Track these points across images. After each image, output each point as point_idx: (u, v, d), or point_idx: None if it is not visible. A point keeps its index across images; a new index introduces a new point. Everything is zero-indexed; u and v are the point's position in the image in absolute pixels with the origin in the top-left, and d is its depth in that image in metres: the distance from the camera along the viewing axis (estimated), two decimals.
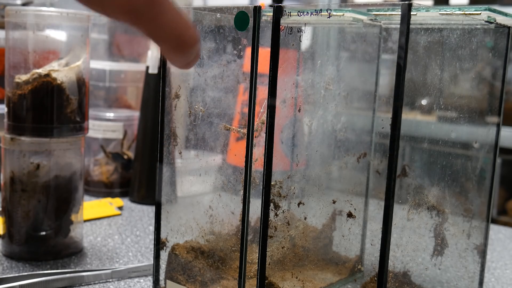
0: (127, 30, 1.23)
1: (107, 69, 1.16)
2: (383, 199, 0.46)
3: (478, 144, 0.63)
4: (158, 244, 0.62)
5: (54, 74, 0.72)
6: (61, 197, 0.75)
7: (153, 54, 1.04)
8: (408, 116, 0.49)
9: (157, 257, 0.62)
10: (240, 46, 0.55)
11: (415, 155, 0.65)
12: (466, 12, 0.49)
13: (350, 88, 0.68)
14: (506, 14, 0.53)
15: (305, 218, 0.60)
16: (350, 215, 0.58)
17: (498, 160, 0.97)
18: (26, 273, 0.67)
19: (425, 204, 0.60)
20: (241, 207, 0.54)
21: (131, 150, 1.13)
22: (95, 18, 1.21)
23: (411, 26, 0.44)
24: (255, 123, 0.54)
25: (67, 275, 0.67)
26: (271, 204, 0.53)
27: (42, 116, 0.72)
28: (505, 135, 1.71)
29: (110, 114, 1.11)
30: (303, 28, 0.52)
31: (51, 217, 0.74)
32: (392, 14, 0.51)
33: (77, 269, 0.70)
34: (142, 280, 0.70)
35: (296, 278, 0.58)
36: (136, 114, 1.13)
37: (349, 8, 0.52)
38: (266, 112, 0.52)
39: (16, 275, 0.66)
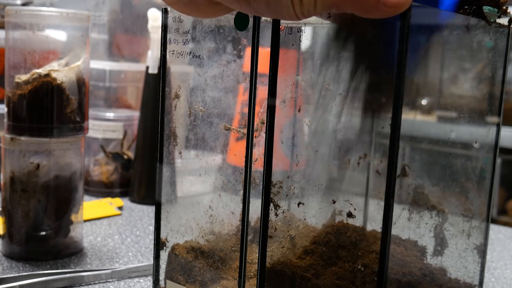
0: (127, 30, 1.23)
1: (107, 69, 1.16)
2: (383, 199, 0.46)
3: (478, 144, 0.63)
4: (158, 244, 0.62)
5: (54, 74, 0.72)
6: (61, 197, 0.75)
7: (153, 54, 1.04)
8: (408, 116, 0.49)
9: (157, 257, 0.62)
10: (240, 46, 0.55)
11: (415, 155, 0.65)
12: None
13: (350, 88, 0.68)
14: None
15: (305, 218, 0.60)
16: (350, 215, 0.58)
17: (498, 160, 0.97)
18: (26, 273, 0.67)
19: (425, 204, 0.60)
20: (241, 207, 0.54)
21: (131, 150, 1.13)
22: (95, 18, 1.21)
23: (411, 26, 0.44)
24: (255, 123, 0.54)
25: (67, 275, 0.67)
26: (271, 204, 0.53)
27: (42, 116, 0.72)
28: (505, 135, 1.71)
29: (110, 114, 1.11)
30: (303, 28, 0.52)
31: (51, 217, 0.74)
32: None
33: (77, 269, 0.70)
34: (142, 280, 0.70)
35: None
36: (136, 114, 1.13)
37: None
38: (266, 112, 0.52)
39: (16, 275, 0.66)
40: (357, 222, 0.58)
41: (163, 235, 0.62)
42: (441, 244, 0.61)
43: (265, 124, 0.52)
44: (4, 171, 0.75)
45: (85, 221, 0.90)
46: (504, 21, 0.57)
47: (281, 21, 0.51)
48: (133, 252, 0.79)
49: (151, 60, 1.05)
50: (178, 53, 0.60)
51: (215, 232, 0.62)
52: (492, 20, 0.54)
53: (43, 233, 0.74)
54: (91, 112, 1.11)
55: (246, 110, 0.53)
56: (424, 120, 0.62)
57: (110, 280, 0.69)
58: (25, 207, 0.73)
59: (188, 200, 0.63)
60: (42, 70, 0.72)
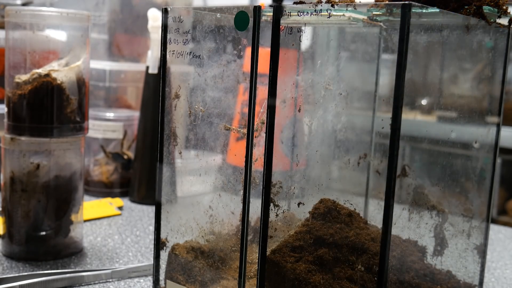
0: (127, 30, 1.23)
1: (107, 69, 1.16)
2: (383, 199, 0.46)
3: (478, 144, 0.63)
4: (158, 244, 0.62)
5: (54, 74, 0.72)
6: (61, 197, 0.75)
7: (153, 54, 1.04)
8: (408, 116, 0.49)
9: (157, 257, 0.62)
10: (240, 46, 0.55)
11: (415, 155, 0.65)
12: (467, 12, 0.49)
13: (350, 88, 0.68)
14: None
15: (305, 218, 0.60)
16: (350, 215, 0.58)
17: (498, 160, 0.97)
18: (26, 273, 0.67)
19: (425, 204, 0.60)
20: (241, 207, 0.54)
21: (131, 150, 1.13)
22: (95, 18, 1.21)
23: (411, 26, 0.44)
24: (255, 123, 0.54)
25: (67, 275, 0.67)
26: (271, 204, 0.53)
27: (42, 116, 0.72)
28: (505, 135, 1.70)
29: (110, 114, 1.11)
30: (303, 28, 0.52)
31: (51, 217, 0.74)
32: (392, 14, 0.51)
33: (77, 269, 0.70)
34: (142, 280, 0.70)
35: None
36: (136, 114, 1.13)
37: (350, 8, 0.52)
38: (266, 112, 0.52)
39: (16, 275, 0.66)
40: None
41: (163, 235, 0.62)
42: (441, 244, 0.61)
43: (265, 124, 0.52)
44: (4, 171, 0.75)
45: (85, 221, 0.90)
46: (504, 21, 0.57)
47: (281, 21, 0.51)
48: (133, 252, 0.79)
49: (151, 60, 1.05)
50: (178, 53, 0.60)
51: (215, 232, 0.62)
52: (492, 20, 0.54)
53: (43, 233, 0.74)
54: (91, 112, 1.11)
55: (246, 110, 0.53)
56: (424, 120, 0.62)
57: (110, 280, 0.69)
58: (25, 207, 0.73)
59: (188, 200, 0.63)
60: (42, 70, 0.72)
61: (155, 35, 1.03)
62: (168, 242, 0.62)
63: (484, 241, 0.64)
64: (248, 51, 0.52)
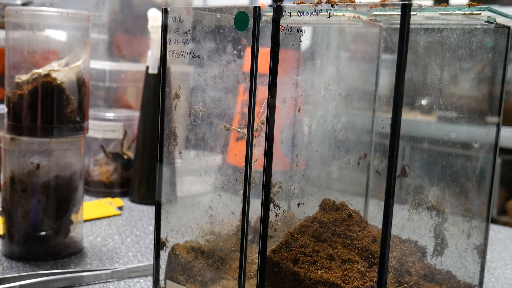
0: (127, 30, 1.23)
1: (107, 69, 1.16)
2: (383, 199, 0.46)
3: (478, 144, 0.63)
4: (158, 244, 0.62)
5: (54, 74, 0.72)
6: (61, 197, 0.75)
7: (153, 54, 1.04)
8: (408, 116, 0.49)
9: (157, 257, 0.62)
10: (240, 46, 0.55)
11: (415, 155, 0.65)
12: (466, 12, 0.49)
13: (350, 88, 0.68)
14: (506, 15, 0.53)
15: (305, 218, 0.60)
16: (350, 215, 0.58)
17: (498, 160, 0.96)
18: (26, 273, 0.67)
19: (425, 204, 0.60)
20: (241, 207, 0.54)
21: (131, 150, 1.13)
22: (95, 18, 1.21)
23: (411, 26, 0.44)
24: (255, 123, 0.54)
25: (67, 275, 0.67)
26: (271, 204, 0.53)
27: (42, 116, 0.72)
28: (505, 135, 1.70)
29: (110, 114, 1.11)
30: (303, 28, 0.52)
31: (51, 217, 0.74)
32: (392, 14, 0.51)
33: (77, 269, 0.70)
34: (142, 280, 0.70)
35: None
36: (136, 114, 1.13)
37: (350, 8, 0.52)
38: (266, 112, 0.52)
39: (16, 275, 0.66)
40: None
41: (163, 235, 0.62)
42: (441, 244, 0.61)
43: (265, 124, 0.52)
44: (4, 171, 0.75)
45: (85, 221, 0.90)
46: (504, 21, 0.57)
47: (281, 21, 0.51)
48: (133, 252, 0.79)
49: (151, 60, 1.05)
50: (178, 53, 0.60)
51: (215, 232, 0.62)
52: (492, 20, 0.54)
53: (43, 233, 0.74)
54: (91, 112, 1.11)
55: (246, 110, 0.53)
56: (424, 120, 0.62)
57: (110, 280, 0.69)
58: (25, 207, 0.73)
59: (188, 200, 0.63)
60: (42, 70, 0.72)
61: (155, 35, 1.03)
62: (168, 242, 0.62)
63: (484, 241, 0.64)
64: (248, 51, 0.52)
